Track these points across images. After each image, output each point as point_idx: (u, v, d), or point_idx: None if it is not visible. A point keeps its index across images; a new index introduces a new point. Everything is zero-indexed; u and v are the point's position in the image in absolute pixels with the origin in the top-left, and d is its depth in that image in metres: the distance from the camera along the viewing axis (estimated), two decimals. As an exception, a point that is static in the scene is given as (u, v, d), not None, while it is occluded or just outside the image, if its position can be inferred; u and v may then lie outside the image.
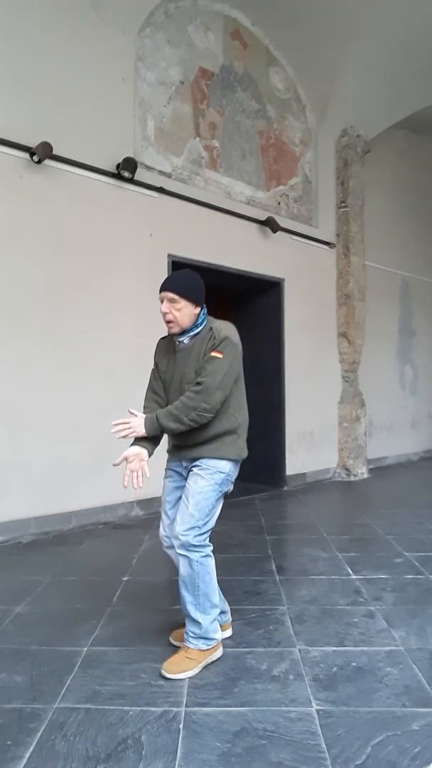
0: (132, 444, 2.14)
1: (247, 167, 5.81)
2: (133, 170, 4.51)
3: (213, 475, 2.10)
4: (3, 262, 3.94)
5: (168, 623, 2.42)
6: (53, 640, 2.32)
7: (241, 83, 5.77)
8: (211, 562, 2.13)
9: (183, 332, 2.16)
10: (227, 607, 2.38)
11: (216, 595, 2.15)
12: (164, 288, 2.12)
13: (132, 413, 2.12)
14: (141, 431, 2.07)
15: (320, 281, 6.59)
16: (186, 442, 2.14)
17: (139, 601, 2.77)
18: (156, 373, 2.31)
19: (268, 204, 6.01)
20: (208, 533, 2.13)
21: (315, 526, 4.32)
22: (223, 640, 2.29)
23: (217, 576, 2.19)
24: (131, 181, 4.60)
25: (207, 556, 2.11)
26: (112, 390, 4.39)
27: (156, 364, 2.31)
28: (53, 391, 4.15)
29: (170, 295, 2.10)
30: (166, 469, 2.31)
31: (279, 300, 6.09)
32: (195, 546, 2.06)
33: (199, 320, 2.16)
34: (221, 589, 2.37)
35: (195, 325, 2.15)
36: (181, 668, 2.03)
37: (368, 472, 6.87)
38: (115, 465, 2.14)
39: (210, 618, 2.11)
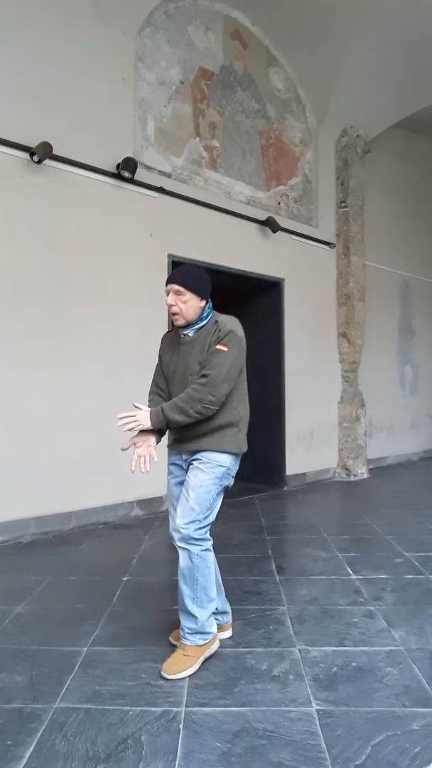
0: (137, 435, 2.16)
1: (247, 167, 5.81)
2: (133, 170, 4.51)
3: (213, 469, 2.11)
4: (3, 262, 3.93)
5: (168, 623, 2.42)
6: (53, 640, 2.32)
7: (241, 83, 5.77)
8: (211, 556, 2.14)
9: (188, 325, 2.20)
10: (228, 608, 2.38)
11: (214, 590, 2.15)
12: (170, 280, 2.16)
13: (137, 407, 2.13)
14: (147, 424, 2.08)
15: (320, 281, 6.59)
16: (187, 435, 2.15)
17: (139, 601, 2.77)
18: (159, 367, 2.35)
19: (268, 204, 6.01)
20: (209, 527, 2.14)
21: (315, 526, 4.32)
22: (224, 640, 2.29)
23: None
24: (131, 181, 4.60)
25: (207, 549, 2.11)
26: (112, 390, 4.39)
27: (160, 358, 2.35)
28: (53, 391, 4.15)
29: (176, 287, 2.14)
30: (168, 465, 2.32)
31: (279, 300, 6.09)
32: (195, 539, 2.07)
33: (204, 313, 2.19)
34: (224, 590, 2.38)
35: (200, 318, 2.19)
36: (181, 667, 2.03)
37: (368, 472, 6.87)
38: (123, 450, 2.15)
39: (207, 613, 2.11)
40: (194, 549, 2.07)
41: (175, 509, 2.22)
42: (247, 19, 5.80)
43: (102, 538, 4.02)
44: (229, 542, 3.79)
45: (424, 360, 8.69)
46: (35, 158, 3.99)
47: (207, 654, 2.12)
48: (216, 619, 2.27)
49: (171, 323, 2.33)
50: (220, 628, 2.31)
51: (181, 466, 2.25)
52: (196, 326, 2.19)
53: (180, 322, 2.19)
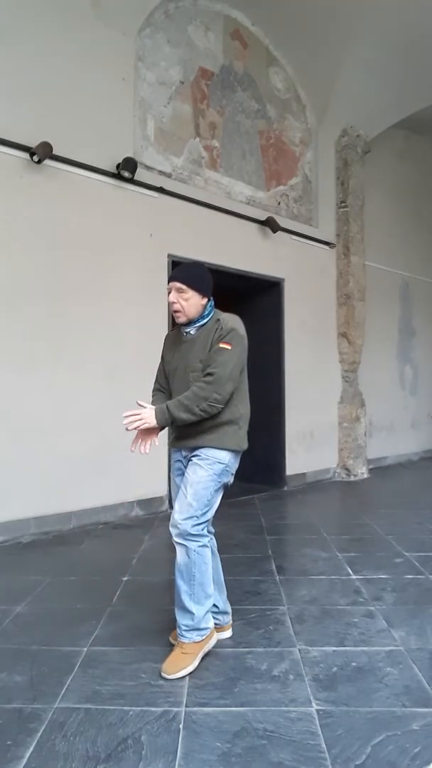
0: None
1: (247, 167, 5.81)
2: (133, 170, 4.51)
3: (212, 466, 2.11)
4: (3, 262, 3.93)
5: (168, 623, 2.41)
6: (53, 640, 2.32)
7: (241, 83, 5.77)
8: (208, 552, 2.14)
9: (189, 323, 2.21)
10: (229, 609, 2.38)
11: (211, 586, 2.15)
12: (173, 278, 2.18)
13: (141, 405, 2.13)
14: (152, 422, 2.08)
15: (320, 281, 6.59)
16: (187, 432, 2.16)
17: (139, 601, 2.77)
18: (161, 365, 2.37)
19: (268, 204, 6.01)
20: (206, 523, 2.14)
21: (315, 526, 4.32)
22: (224, 640, 2.30)
23: (217, 576, 2.19)
24: (131, 181, 4.60)
25: (204, 546, 2.12)
26: (111, 390, 4.39)
27: (162, 357, 2.37)
28: (53, 391, 4.15)
29: (178, 284, 2.15)
30: (172, 463, 2.34)
31: (279, 300, 6.09)
32: (193, 535, 2.07)
33: (206, 311, 2.21)
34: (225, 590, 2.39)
35: (202, 316, 2.20)
36: (180, 666, 2.03)
37: (368, 472, 6.87)
38: (131, 451, 2.17)
39: (204, 609, 2.11)
40: (191, 545, 2.07)
41: None
42: (247, 19, 5.80)
43: (102, 538, 4.02)
44: (229, 542, 3.79)
45: (424, 360, 8.69)
46: (35, 158, 3.99)
47: (205, 649, 2.12)
48: (216, 619, 2.27)
49: (171, 323, 2.34)
50: (221, 628, 2.31)
51: (181, 461, 2.26)
52: (198, 324, 2.20)
53: (182, 319, 2.20)
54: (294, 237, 6.17)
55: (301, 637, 2.34)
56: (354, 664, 2.11)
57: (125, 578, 3.10)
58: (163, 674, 2.02)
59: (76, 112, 4.33)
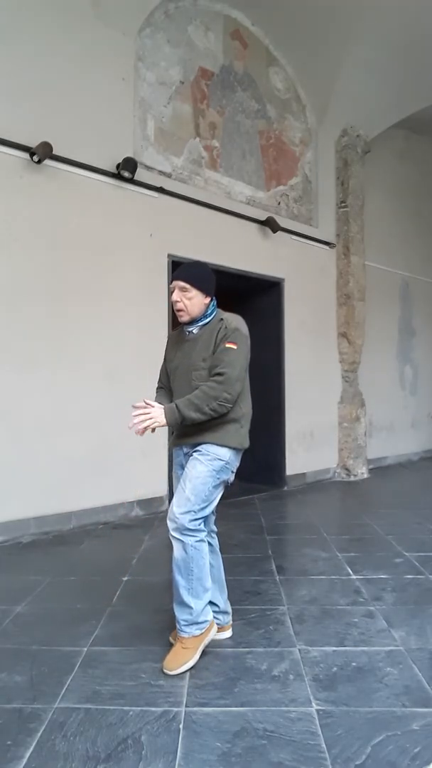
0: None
1: (247, 167, 5.81)
2: (133, 170, 4.50)
3: (212, 462, 2.12)
4: (3, 262, 3.93)
5: (168, 623, 2.41)
6: (53, 640, 2.32)
7: (241, 83, 5.77)
8: (205, 547, 2.13)
9: (192, 322, 2.22)
10: (229, 609, 2.38)
11: (209, 580, 2.14)
12: (176, 277, 2.19)
13: (148, 404, 2.12)
14: (162, 421, 2.08)
15: (320, 281, 6.59)
16: (189, 429, 2.16)
17: (139, 601, 2.77)
18: (164, 364, 2.38)
19: (268, 204, 6.01)
20: (204, 519, 2.14)
21: (315, 526, 4.32)
22: (224, 640, 2.30)
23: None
24: (131, 181, 4.60)
25: (201, 541, 2.11)
26: (111, 390, 4.39)
27: (165, 356, 2.39)
28: (53, 391, 4.15)
29: (181, 284, 2.17)
30: (174, 459, 2.34)
31: (279, 300, 6.09)
32: (190, 530, 2.07)
33: (209, 311, 2.23)
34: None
35: (204, 315, 2.22)
36: (181, 661, 2.03)
37: (368, 472, 6.87)
38: (136, 432, 2.12)
39: (202, 603, 2.11)
40: (188, 540, 2.07)
41: None
42: (247, 19, 5.80)
43: (102, 538, 4.02)
44: (229, 542, 3.78)
45: (424, 360, 8.69)
46: (35, 158, 3.98)
47: (205, 642, 2.12)
48: (216, 618, 2.27)
49: (172, 323, 2.35)
50: (221, 628, 2.31)
51: (184, 459, 2.26)
52: (201, 323, 2.22)
53: (185, 318, 2.22)
54: (294, 237, 6.17)
55: (301, 637, 2.34)
56: (354, 664, 2.11)
57: (125, 578, 3.10)
58: (165, 670, 2.02)
59: (76, 112, 4.32)
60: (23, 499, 3.96)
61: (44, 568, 3.29)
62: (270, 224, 5.72)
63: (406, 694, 1.88)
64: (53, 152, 4.07)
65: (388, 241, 7.82)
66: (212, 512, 2.34)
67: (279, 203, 6.16)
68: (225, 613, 2.34)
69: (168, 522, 2.11)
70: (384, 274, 7.73)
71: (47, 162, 4.09)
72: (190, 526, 2.07)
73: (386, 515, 4.70)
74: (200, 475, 2.10)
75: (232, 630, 2.37)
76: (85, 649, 2.25)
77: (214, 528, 2.37)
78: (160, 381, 2.42)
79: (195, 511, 2.08)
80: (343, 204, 6.78)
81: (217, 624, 2.29)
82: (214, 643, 2.25)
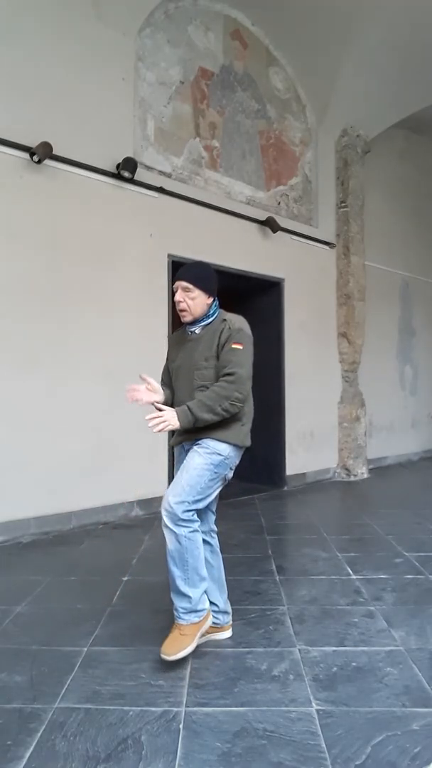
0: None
1: (247, 167, 5.81)
2: (133, 170, 4.51)
3: (210, 455, 2.12)
4: (3, 262, 3.93)
5: (168, 623, 2.41)
6: (53, 640, 2.32)
7: (241, 83, 5.77)
8: (199, 537, 2.12)
9: (195, 322, 2.24)
10: (230, 609, 2.38)
11: (204, 569, 2.14)
12: (179, 277, 2.21)
13: (159, 408, 2.12)
14: (175, 423, 2.07)
15: (320, 281, 6.59)
16: (190, 428, 2.15)
17: (139, 601, 2.77)
18: (166, 365, 2.40)
19: (268, 204, 6.01)
20: (195, 511, 2.12)
21: (315, 526, 4.32)
22: (224, 640, 2.30)
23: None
24: (131, 181, 4.60)
25: (194, 531, 2.10)
26: (111, 390, 4.38)
27: (168, 355, 2.40)
28: (53, 391, 4.15)
29: (184, 284, 2.18)
30: (177, 456, 2.34)
31: (279, 300, 6.09)
32: (183, 520, 2.05)
33: (211, 311, 2.24)
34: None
35: (207, 315, 2.23)
36: (179, 647, 2.03)
37: (368, 472, 6.87)
38: (141, 377, 2.24)
39: (199, 591, 2.11)
40: (181, 531, 2.05)
41: None
42: (247, 19, 5.80)
43: (102, 538, 4.02)
44: (229, 542, 3.78)
45: (424, 360, 8.69)
46: (35, 158, 3.99)
47: (203, 629, 2.12)
48: (216, 618, 2.27)
49: (172, 323, 2.36)
50: (221, 628, 2.32)
51: (186, 455, 2.26)
52: (203, 323, 2.24)
53: (187, 318, 2.23)
54: (294, 237, 6.17)
55: (301, 637, 2.34)
56: (354, 664, 2.11)
57: (125, 578, 3.10)
58: (163, 656, 2.02)
59: (76, 112, 4.33)
60: (23, 499, 3.96)
61: (44, 568, 3.29)
62: (270, 224, 5.72)
63: (406, 694, 1.88)
64: (53, 152, 4.07)
65: (388, 241, 7.82)
66: (212, 512, 2.35)
67: (279, 203, 6.16)
68: (225, 613, 2.34)
69: (162, 510, 2.09)
70: (384, 274, 7.73)
71: (47, 162, 4.10)
72: (183, 516, 2.05)
73: (386, 515, 4.70)
74: (197, 467, 2.10)
75: (232, 630, 2.37)
76: (85, 649, 2.25)
77: (214, 528, 2.37)
78: (162, 380, 2.42)
79: (189, 502, 2.07)
80: (343, 204, 6.78)
81: (217, 624, 2.29)
82: (214, 643, 2.26)
